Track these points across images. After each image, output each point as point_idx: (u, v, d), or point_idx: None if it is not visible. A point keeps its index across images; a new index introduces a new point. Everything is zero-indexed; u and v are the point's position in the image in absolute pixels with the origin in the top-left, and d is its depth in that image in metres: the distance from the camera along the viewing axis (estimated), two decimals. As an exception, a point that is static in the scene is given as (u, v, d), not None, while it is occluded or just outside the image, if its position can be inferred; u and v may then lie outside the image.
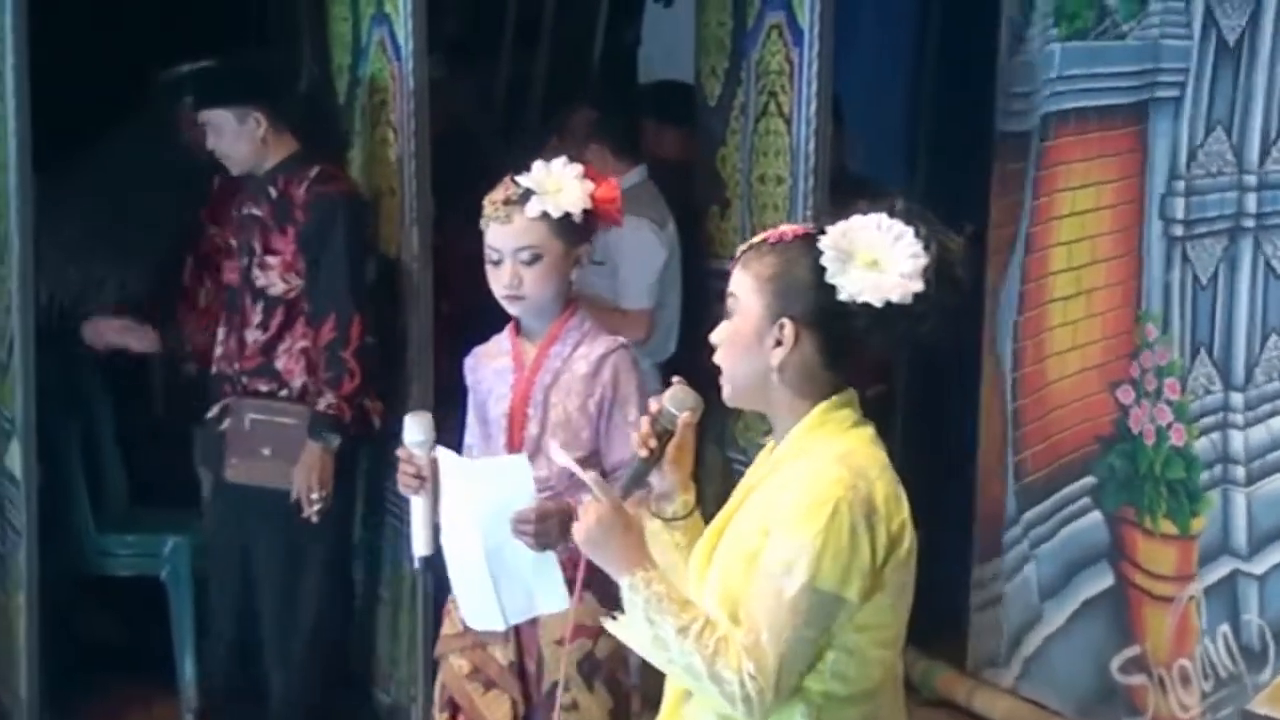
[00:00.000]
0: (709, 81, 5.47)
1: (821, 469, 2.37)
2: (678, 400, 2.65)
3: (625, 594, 2.43)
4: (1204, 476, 4.71)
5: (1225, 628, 4.67)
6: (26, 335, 4.64)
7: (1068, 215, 5.12)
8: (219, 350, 4.81)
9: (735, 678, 2.32)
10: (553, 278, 3.38)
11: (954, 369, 5.53)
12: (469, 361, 3.60)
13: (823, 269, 2.39)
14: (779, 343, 2.44)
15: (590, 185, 3.37)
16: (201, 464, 5.04)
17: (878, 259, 2.37)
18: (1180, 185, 4.76)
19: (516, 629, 3.45)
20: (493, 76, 6.50)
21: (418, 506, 3.37)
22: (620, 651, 3.42)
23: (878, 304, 2.36)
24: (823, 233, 2.42)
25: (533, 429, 3.41)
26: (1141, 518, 4.91)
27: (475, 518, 3.33)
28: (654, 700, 5.27)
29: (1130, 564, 4.97)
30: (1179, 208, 4.76)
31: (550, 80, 6.42)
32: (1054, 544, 5.23)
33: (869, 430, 2.48)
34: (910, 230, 2.39)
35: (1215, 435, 4.67)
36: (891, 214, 2.41)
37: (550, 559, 3.32)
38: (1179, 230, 4.77)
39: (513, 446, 3.42)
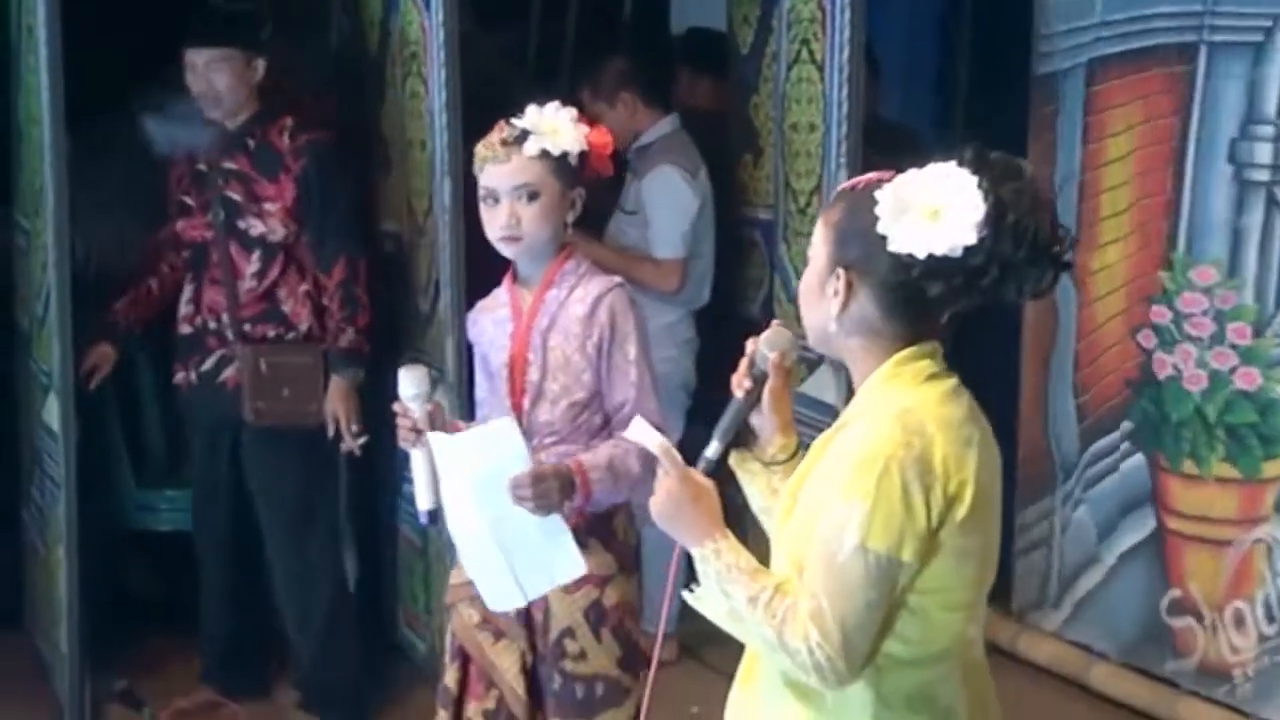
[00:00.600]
0: (741, 29, 5.46)
1: (877, 427, 2.31)
2: (770, 341, 2.59)
3: (699, 566, 2.40)
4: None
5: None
6: (63, 290, 4.65)
7: (1114, 160, 5.10)
8: (189, 309, 4.87)
9: (803, 646, 2.28)
10: (550, 217, 3.36)
11: (993, 313, 5.51)
12: (470, 316, 3.62)
13: (876, 218, 2.33)
14: (837, 292, 2.38)
15: (585, 129, 3.37)
16: (199, 416, 4.99)
17: (939, 210, 2.29)
18: (1266, 130, 4.71)
19: None
20: (523, 28, 6.48)
21: (417, 460, 3.36)
22: (629, 600, 3.46)
23: (922, 256, 2.29)
24: (887, 180, 2.36)
25: (534, 375, 3.40)
26: (1175, 462, 4.91)
27: (473, 493, 3.32)
28: (690, 647, 5.38)
29: (1165, 508, 5.00)
30: (1262, 152, 4.73)
31: (581, 31, 6.39)
32: (1104, 487, 5.24)
33: (946, 384, 2.40)
34: (974, 180, 2.29)
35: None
36: (962, 162, 2.32)
37: (557, 523, 3.31)
38: (1263, 175, 4.73)
39: (515, 394, 3.41)
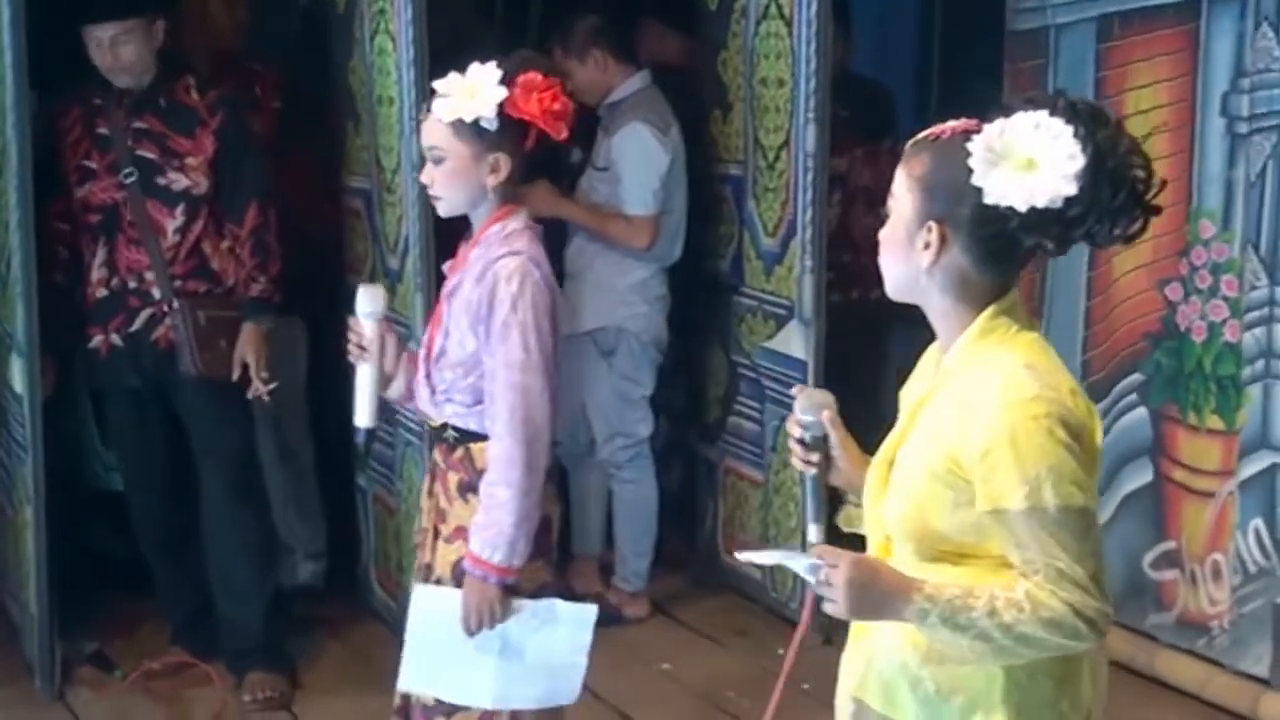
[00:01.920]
0: (711, -16, 5.44)
1: (1012, 384, 2.29)
2: (811, 406, 2.55)
3: (918, 624, 2.32)
4: (1246, 371, 4.73)
5: (1259, 522, 4.72)
6: (28, 249, 4.63)
7: (1134, 114, 5.08)
8: (102, 273, 4.82)
9: (1065, 613, 2.27)
10: (457, 181, 3.32)
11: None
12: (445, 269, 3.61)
13: (969, 170, 2.30)
14: (927, 245, 2.35)
15: (504, 92, 3.24)
16: (124, 378, 4.91)
17: (1034, 159, 2.27)
18: (1245, 83, 4.72)
19: (434, 526, 3.46)
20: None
21: (361, 376, 3.40)
22: (521, 589, 3.42)
23: (1022, 209, 2.27)
24: (974, 129, 2.33)
25: (440, 337, 3.40)
26: (1185, 414, 4.93)
27: (466, 656, 3.38)
28: (661, 604, 5.39)
29: (1170, 460, 5.00)
30: (1244, 104, 4.73)
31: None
32: (1105, 441, 5.22)
33: (1036, 334, 2.42)
34: (1069, 129, 2.27)
35: (1259, 330, 4.69)
36: (1054, 111, 2.29)
37: (539, 607, 3.37)
38: (1243, 128, 4.73)
39: (428, 349, 3.42)
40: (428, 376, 3.41)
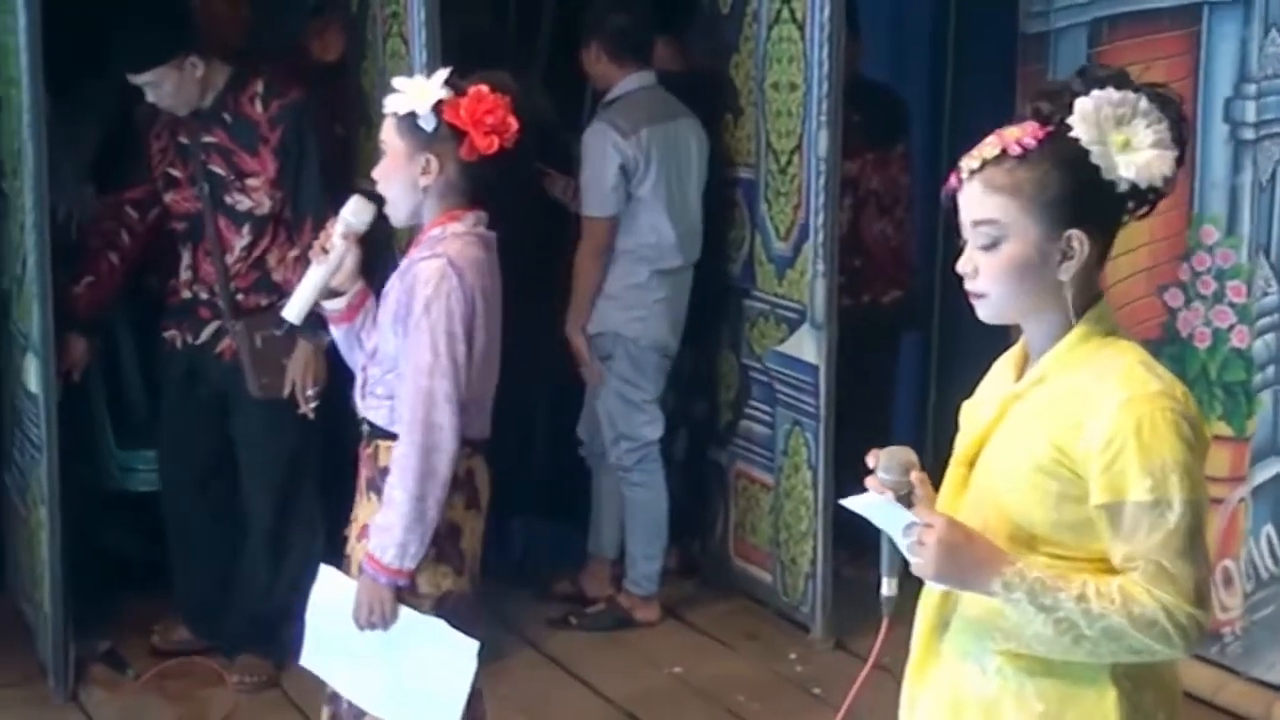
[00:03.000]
0: (722, -11, 5.45)
1: (1136, 378, 2.28)
2: (896, 465, 2.35)
3: (1004, 598, 2.25)
4: (1257, 378, 4.73)
5: (1270, 529, 4.72)
6: (43, 251, 4.63)
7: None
8: (187, 276, 4.88)
9: (1159, 614, 2.21)
10: (393, 175, 3.36)
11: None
12: None
13: (1094, 167, 2.28)
14: (1067, 256, 2.30)
15: (445, 93, 3.28)
16: (186, 379, 4.97)
17: (1128, 139, 2.28)
18: (1250, 88, 4.72)
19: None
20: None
21: (312, 274, 3.43)
22: (450, 590, 3.44)
23: (1160, 184, 2.30)
24: (1061, 127, 2.29)
25: (375, 334, 3.44)
26: None
27: (353, 649, 3.41)
28: (672, 608, 5.41)
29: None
30: (1249, 110, 4.73)
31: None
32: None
33: (1124, 332, 2.41)
34: (1139, 96, 2.30)
35: (1270, 336, 4.69)
36: (1108, 83, 2.31)
37: (428, 625, 3.37)
38: (1249, 134, 4.74)
39: (365, 346, 3.47)
40: (363, 370, 3.46)
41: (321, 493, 5.17)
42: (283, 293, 4.71)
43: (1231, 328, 4.80)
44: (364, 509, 3.46)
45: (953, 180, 2.36)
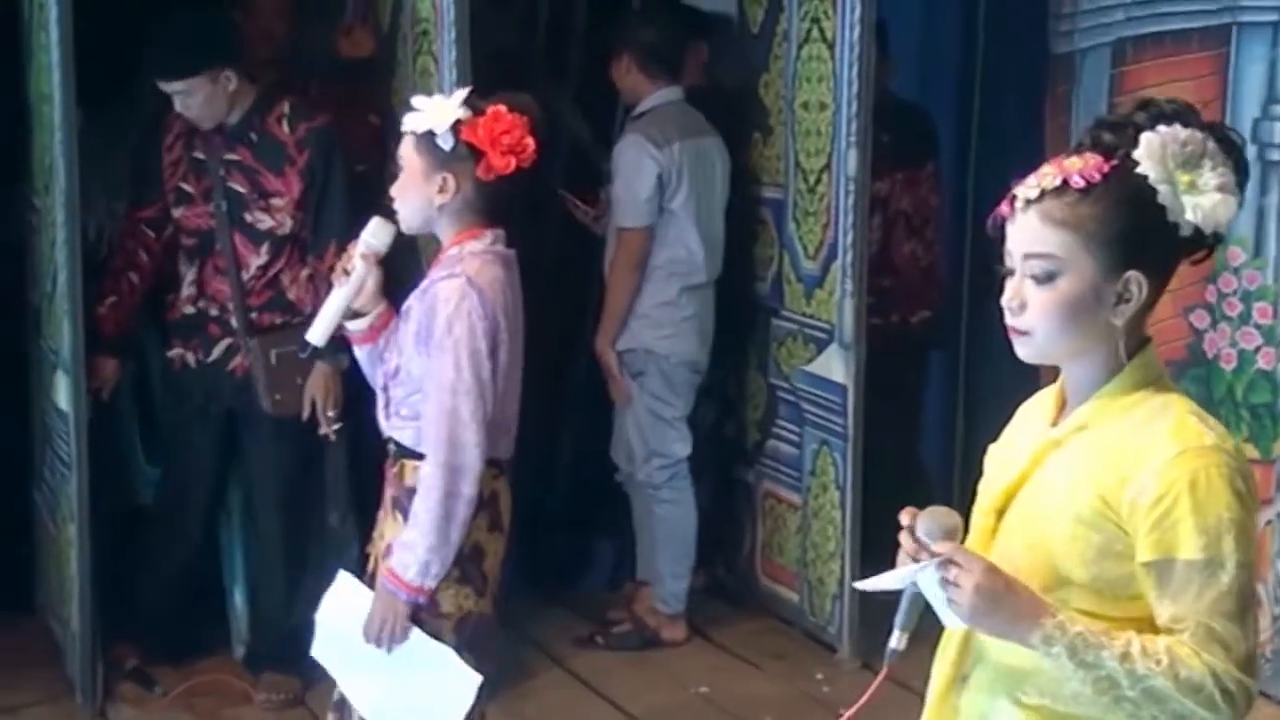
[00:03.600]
0: (752, 8, 5.47)
1: (1190, 430, 2.18)
2: (939, 529, 2.22)
3: (1043, 650, 2.15)
4: (1284, 400, 4.71)
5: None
6: (73, 268, 4.64)
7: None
8: (191, 291, 4.89)
9: (1206, 678, 2.10)
10: (409, 193, 3.39)
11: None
12: None
13: (1160, 208, 2.17)
14: (1123, 299, 2.20)
15: (462, 113, 3.31)
16: (195, 397, 4.98)
17: (1193, 179, 2.18)
18: (1278, 110, 4.71)
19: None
20: (533, 3, 6.46)
21: (335, 297, 3.44)
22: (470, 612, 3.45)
23: (1210, 230, 2.18)
24: (1126, 162, 2.19)
25: (396, 354, 3.45)
26: None
27: (360, 655, 3.43)
28: (699, 627, 5.39)
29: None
30: (1276, 132, 4.72)
31: (591, 6, 6.36)
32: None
33: (1170, 381, 2.30)
34: (1206, 136, 2.20)
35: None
36: (1175, 119, 2.20)
37: (435, 650, 3.38)
38: (1277, 155, 4.72)
39: (386, 368, 3.48)
40: (385, 390, 3.47)
41: (349, 510, 5.21)
42: (296, 311, 4.81)
43: (1258, 349, 4.78)
44: (389, 527, 3.47)
45: (1004, 208, 2.26)
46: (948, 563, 2.17)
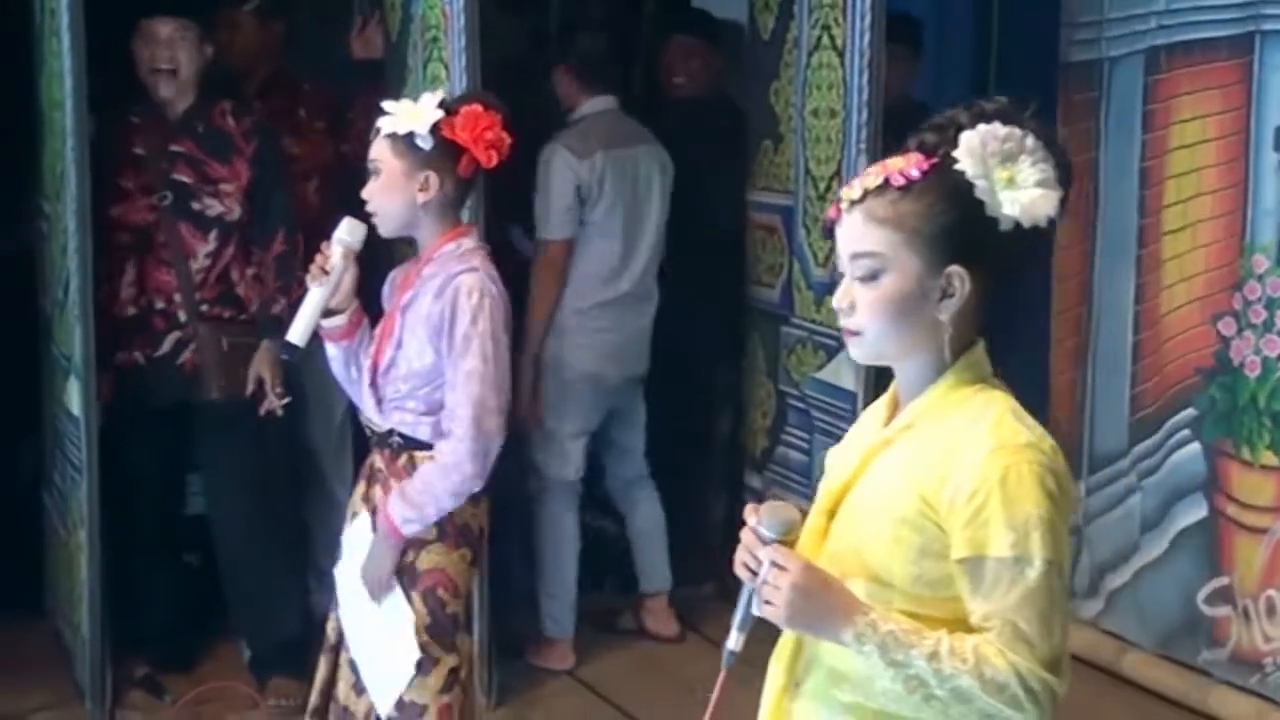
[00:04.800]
0: (762, 15, 5.47)
1: (1007, 428, 2.19)
2: (779, 524, 2.25)
3: (855, 649, 2.16)
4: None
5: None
6: (84, 273, 4.65)
7: (1176, 149, 5.08)
8: (131, 291, 4.89)
9: (1011, 677, 2.11)
10: (389, 193, 3.47)
11: (1020, 301, 5.49)
12: (386, 281, 3.71)
13: (979, 202, 2.20)
14: (947, 294, 2.23)
15: (440, 113, 3.43)
16: (147, 398, 4.96)
17: (1012, 176, 2.21)
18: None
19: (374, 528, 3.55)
20: (544, 12, 6.48)
21: (312, 296, 3.48)
22: (446, 570, 3.53)
23: (1045, 224, 2.21)
24: (946, 159, 2.22)
25: (391, 345, 3.51)
26: (1239, 449, 4.90)
27: (354, 590, 3.54)
28: (694, 624, 5.41)
29: (1224, 495, 4.97)
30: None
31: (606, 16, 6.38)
32: (1158, 477, 5.22)
33: (1006, 390, 2.30)
34: (1026, 133, 2.22)
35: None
36: (995, 117, 2.23)
37: (400, 613, 3.48)
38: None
39: (376, 359, 3.54)
40: (373, 386, 3.53)
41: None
42: (244, 308, 4.91)
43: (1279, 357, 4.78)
44: None
45: (832, 211, 2.29)
46: (768, 568, 2.19)
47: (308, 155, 5.32)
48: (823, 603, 2.18)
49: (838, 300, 2.28)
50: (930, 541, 2.20)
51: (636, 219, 5.30)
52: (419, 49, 4.94)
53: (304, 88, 5.45)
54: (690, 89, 5.82)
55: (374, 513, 3.52)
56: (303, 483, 5.45)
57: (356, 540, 3.57)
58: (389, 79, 5.22)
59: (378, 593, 3.48)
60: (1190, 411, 5.07)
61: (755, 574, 2.24)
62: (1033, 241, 2.24)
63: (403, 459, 3.51)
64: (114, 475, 4.83)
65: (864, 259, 2.24)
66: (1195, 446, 5.07)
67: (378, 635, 3.51)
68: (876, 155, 5.00)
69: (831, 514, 2.33)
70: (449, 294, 3.44)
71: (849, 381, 5.11)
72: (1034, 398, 5.51)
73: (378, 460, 3.59)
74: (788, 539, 2.24)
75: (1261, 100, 4.81)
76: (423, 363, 3.46)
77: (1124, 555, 5.31)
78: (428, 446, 3.47)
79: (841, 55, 5.01)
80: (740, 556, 2.26)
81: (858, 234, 2.25)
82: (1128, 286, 5.29)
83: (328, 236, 3.50)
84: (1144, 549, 5.25)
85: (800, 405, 5.41)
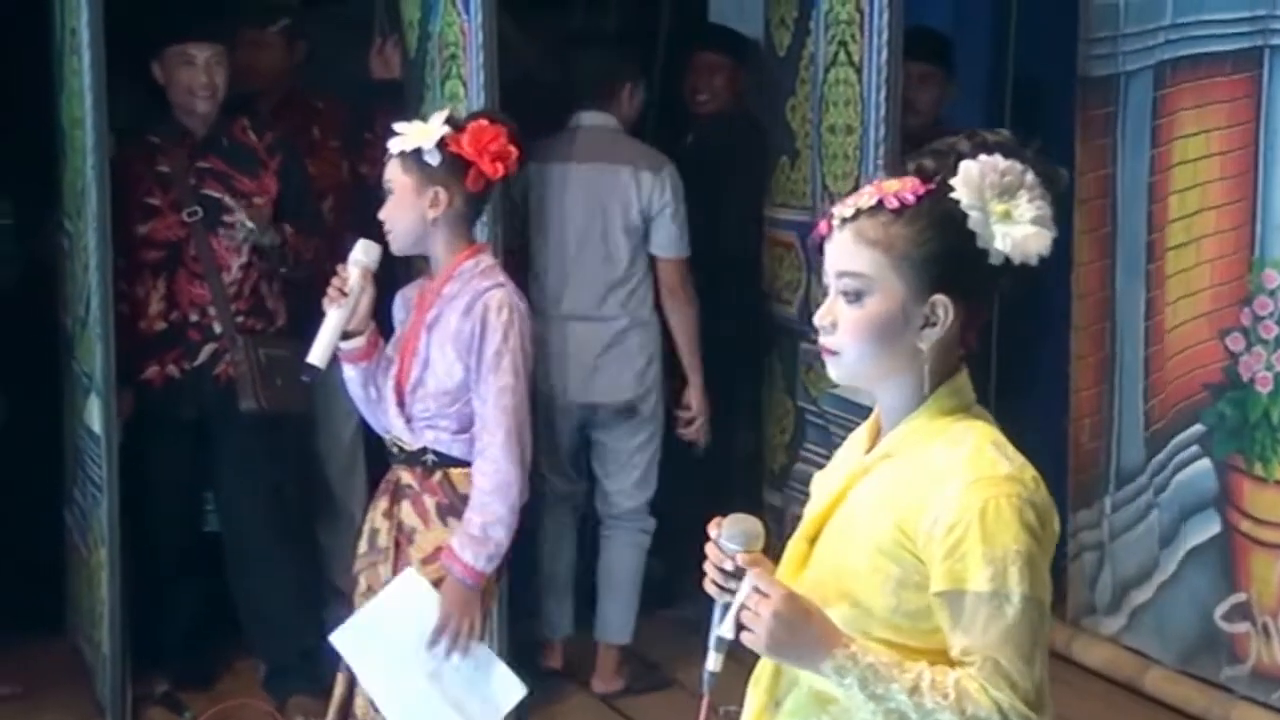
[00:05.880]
0: (779, 32, 5.47)
1: (985, 460, 2.16)
2: (742, 535, 2.23)
3: (835, 680, 2.14)
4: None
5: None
6: (105, 292, 4.67)
7: (1180, 163, 5.08)
8: (161, 306, 4.93)
9: (993, 713, 2.09)
10: (402, 210, 3.52)
11: (1041, 317, 5.49)
12: (396, 298, 3.74)
13: (971, 234, 2.17)
14: (929, 322, 2.20)
15: (446, 129, 3.49)
16: (179, 411, 5.00)
17: (1009, 210, 2.17)
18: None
19: (396, 545, 3.58)
20: (562, 29, 6.49)
21: (331, 319, 3.49)
22: (489, 586, 3.55)
23: (1020, 260, 2.17)
24: (943, 187, 2.19)
25: (417, 364, 3.55)
26: (1251, 465, 4.89)
27: (406, 656, 3.48)
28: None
29: (1237, 511, 4.95)
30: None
31: (620, 32, 6.39)
32: (1168, 493, 5.22)
33: (979, 408, 2.27)
34: (1026, 169, 2.19)
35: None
36: (996, 149, 2.20)
37: (484, 654, 3.50)
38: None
39: (400, 378, 3.56)
40: (400, 404, 3.55)
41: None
42: (273, 320, 4.98)
43: (1293, 372, 4.78)
44: (435, 536, 3.56)
45: (822, 227, 2.27)
46: (749, 594, 2.15)
47: (323, 174, 5.35)
48: (804, 633, 2.15)
49: (819, 317, 2.26)
50: (909, 573, 2.17)
51: (579, 238, 5.16)
52: (437, 66, 4.96)
53: (318, 106, 5.48)
54: (713, 105, 5.82)
55: (429, 559, 3.52)
56: (315, 498, 5.46)
57: (398, 606, 3.52)
58: (407, 96, 5.24)
59: (466, 643, 3.49)
60: (1198, 427, 5.06)
61: (724, 589, 2.21)
62: (1021, 278, 2.21)
63: (437, 475, 3.55)
64: (134, 491, 4.84)
65: (850, 278, 2.22)
66: (1205, 463, 5.05)
67: (456, 689, 3.48)
68: (895, 172, 4.99)
69: (813, 540, 2.31)
70: (478, 311, 3.49)
71: (867, 398, 5.09)
72: (1055, 415, 5.53)
73: (406, 477, 3.60)
74: (751, 550, 2.22)
75: (1270, 115, 4.80)
76: (453, 380, 3.51)
77: (1146, 572, 5.30)
78: (463, 463, 3.51)
79: (859, 71, 5.01)
80: (709, 573, 2.23)
81: (847, 252, 2.22)
82: (1138, 301, 5.29)
83: (343, 256, 3.51)
84: (1163, 565, 5.24)
85: (819, 421, 5.40)
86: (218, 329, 4.92)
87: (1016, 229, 2.17)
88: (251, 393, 4.87)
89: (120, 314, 4.80)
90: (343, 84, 5.53)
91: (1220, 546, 5.01)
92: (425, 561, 3.55)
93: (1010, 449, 2.21)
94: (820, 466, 5.41)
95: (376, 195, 4.70)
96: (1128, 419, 5.39)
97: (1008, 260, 2.18)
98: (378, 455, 5.11)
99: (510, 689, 3.50)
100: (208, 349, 4.93)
